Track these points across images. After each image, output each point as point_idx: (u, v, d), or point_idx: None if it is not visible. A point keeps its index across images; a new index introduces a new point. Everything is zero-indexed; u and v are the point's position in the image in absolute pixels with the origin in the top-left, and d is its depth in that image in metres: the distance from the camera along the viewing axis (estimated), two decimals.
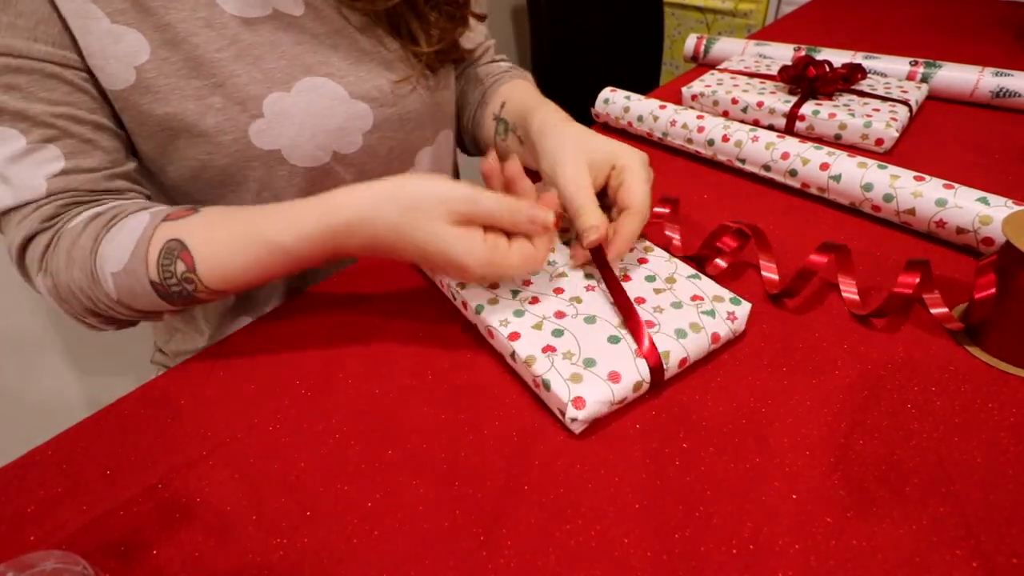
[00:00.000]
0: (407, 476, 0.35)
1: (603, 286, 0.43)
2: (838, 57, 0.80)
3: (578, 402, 0.35)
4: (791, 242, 0.52)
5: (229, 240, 0.41)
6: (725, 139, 0.62)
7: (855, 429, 0.36)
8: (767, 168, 0.60)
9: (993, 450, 0.34)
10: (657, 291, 0.43)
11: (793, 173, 0.58)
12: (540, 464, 0.35)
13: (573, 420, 0.36)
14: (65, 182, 0.43)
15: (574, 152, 0.46)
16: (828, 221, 0.55)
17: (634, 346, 0.38)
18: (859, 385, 0.39)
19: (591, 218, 0.42)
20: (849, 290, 0.45)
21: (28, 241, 0.43)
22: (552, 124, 0.50)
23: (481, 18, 0.60)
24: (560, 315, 0.41)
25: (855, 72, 0.70)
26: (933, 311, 0.44)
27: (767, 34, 1.04)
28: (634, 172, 0.44)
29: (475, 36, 0.66)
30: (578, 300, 0.42)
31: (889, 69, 0.78)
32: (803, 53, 0.83)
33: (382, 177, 0.42)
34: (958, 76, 0.74)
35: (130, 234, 0.42)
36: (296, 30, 0.47)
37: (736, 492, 0.33)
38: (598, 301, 0.42)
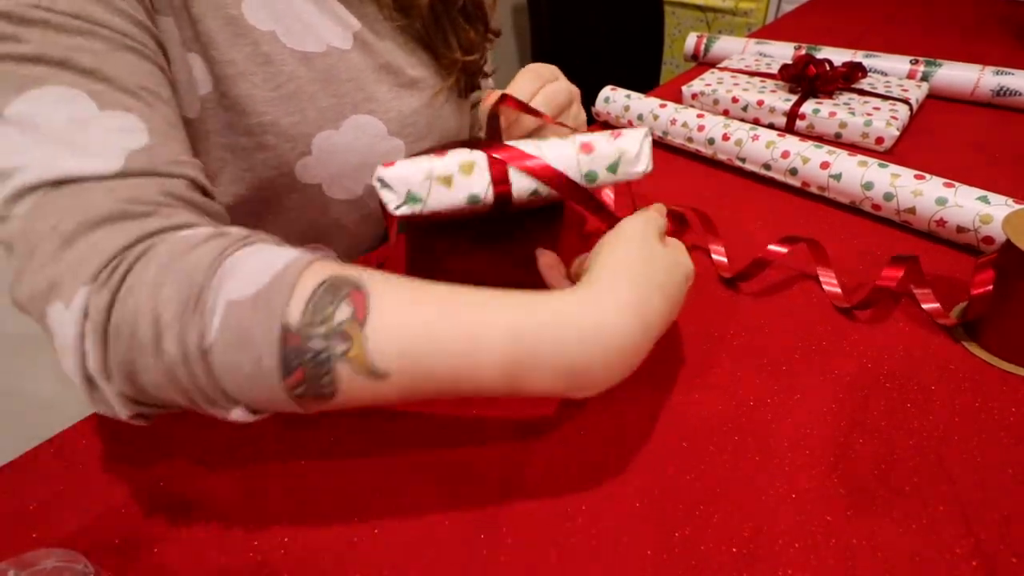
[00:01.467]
0: (407, 475, 0.35)
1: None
2: (838, 56, 0.80)
3: (387, 163, 0.35)
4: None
5: (427, 300, 0.30)
6: (725, 138, 0.62)
7: (855, 428, 0.36)
8: (767, 167, 0.60)
9: (993, 449, 0.34)
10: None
11: (793, 172, 0.58)
12: (540, 463, 0.35)
13: (379, 180, 0.35)
14: (149, 160, 0.31)
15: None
16: (828, 220, 0.55)
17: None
18: (859, 384, 0.39)
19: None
20: (830, 282, 0.46)
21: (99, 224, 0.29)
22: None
23: (496, 33, 0.60)
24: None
25: (855, 71, 0.70)
26: (925, 306, 0.44)
27: (767, 33, 1.04)
28: (520, 78, 0.46)
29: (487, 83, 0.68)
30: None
31: (889, 68, 0.78)
32: (803, 52, 0.83)
33: None
34: (959, 75, 0.74)
35: (278, 256, 0.29)
36: (346, 65, 0.48)
37: (736, 491, 0.33)
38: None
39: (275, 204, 0.48)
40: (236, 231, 0.31)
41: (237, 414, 0.29)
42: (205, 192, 0.34)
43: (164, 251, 0.28)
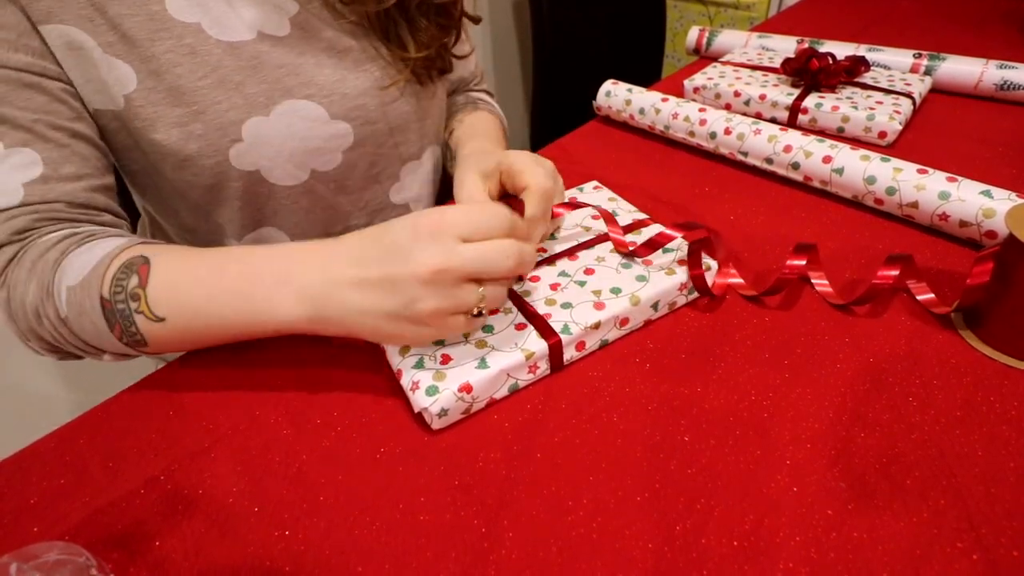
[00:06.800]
0: (408, 468, 0.35)
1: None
2: (841, 49, 0.80)
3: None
4: (793, 236, 0.52)
5: (198, 264, 0.39)
6: (727, 132, 0.62)
7: (856, 422, 0.36)
8: (769, 161, 0.60)
9: (994, 443, 0.34)
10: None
11: (796, 166, 0.58)
12: (541, 456, 0.35)
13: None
14: (43, 191, 0.41)
15: (470, 170, 0.47)
16: (830, 214, 0.55)
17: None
18: (860, 378, 0.39)
19: None
20: (821, 283, 0.46)
21: None
22: (465, 154, 0.53)
23: (475, 20, 0.59)
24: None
25: (858, 64, 0.70)
26: (919, 297, 0.44)
27: (770, 26, 1.03)
28: (520, 160, 0.45)
29: (466, 66, 0.68)
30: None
31: (892, 61, 0.78)
32: (806, 45, 0.82)
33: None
34: (962, 69, 0.73)
35: (100, 251, 0.39)
36: (280, 51, 0.48)
37: (737, 485, 0.33)
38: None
39: (220, 190, 0.50)
40: (85, 230, 0.42)
41: (107, 358, 0.42)
42: (104, 200, 0.45)
43: (28, 257, 0.40)
